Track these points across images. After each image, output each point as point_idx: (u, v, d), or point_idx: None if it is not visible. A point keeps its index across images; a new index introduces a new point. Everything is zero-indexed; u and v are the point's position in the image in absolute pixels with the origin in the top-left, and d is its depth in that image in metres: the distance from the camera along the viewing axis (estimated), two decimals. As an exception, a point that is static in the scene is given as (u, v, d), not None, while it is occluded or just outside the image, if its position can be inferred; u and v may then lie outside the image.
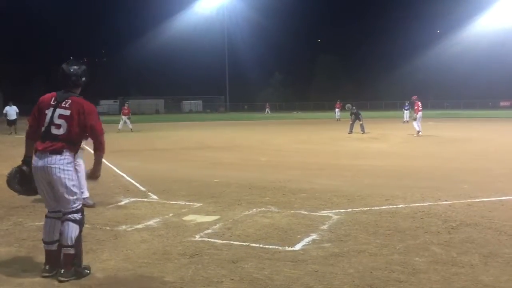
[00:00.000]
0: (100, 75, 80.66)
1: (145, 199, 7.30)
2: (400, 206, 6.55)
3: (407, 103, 31.53)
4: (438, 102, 69.28)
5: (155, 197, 7.47)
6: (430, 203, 6.68)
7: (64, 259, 4.02)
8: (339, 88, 76.46)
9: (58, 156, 3.93)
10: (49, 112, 4.00)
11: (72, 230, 3.99)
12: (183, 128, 31.44)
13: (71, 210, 4.01)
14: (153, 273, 4.14)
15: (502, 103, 67.10)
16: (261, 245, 4.86)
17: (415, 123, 20.25)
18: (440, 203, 6.70)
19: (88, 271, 4.07)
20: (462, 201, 6.79)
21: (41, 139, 3.99)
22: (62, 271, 3.98)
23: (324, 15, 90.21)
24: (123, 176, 9.46)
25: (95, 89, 75.53)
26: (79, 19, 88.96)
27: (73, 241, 3.99)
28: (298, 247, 4.81)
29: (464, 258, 4.40)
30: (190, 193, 7.73)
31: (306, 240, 5.03)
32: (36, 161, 3.98)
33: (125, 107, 28.18)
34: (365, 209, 6.41)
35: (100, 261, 4.43)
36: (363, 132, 21.53)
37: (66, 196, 3.99)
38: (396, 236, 5.12)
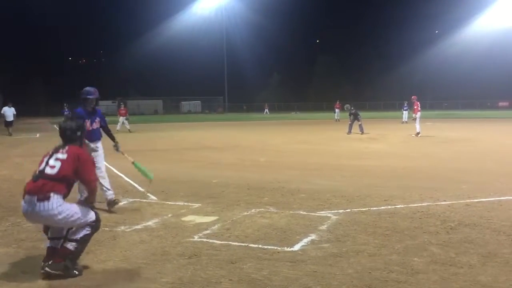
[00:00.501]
0: (98, 76, 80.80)
1: (144, 200, 7.30)
2: (398, 206, 6.56)
3: (406, 103, 31.78)
4: (437, 103, 69.37)
5: (153, 197, 7.46)
6: (428, 204, 6.69)
7: (59, 251, 4.06)
8: (338, 88, 76.55)
9: (46, 203, 3.92)
10: (46, 158, 4.15)
11: (84, 230, 4.12)
12: (181, 128, 31.43)
13: (88, 224, 4.16)
14: (152, 273, 4.13)
15: (500, 104, 67.29)
16: (259, 246, 4.86)
17: (417, 123, 20.26)
18: (439, 203, 6.71)
19: (77, 273, 4.05)
20: (460, 201, 6.80)
21: (34, 179, 4.06)
22: (51, 262, 4.01)
23: (323, 16, 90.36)
24: (121, 177, 9.44)
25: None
26: (78, 20, 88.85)
27: (78, 238, 4.07)
28: (297, 247, 4.81)
29: (463, 258, 4.41)
30: (188, 193, 7.73)
31: (305, 240, 5.03)
32: (24, 207, 4.00)
33: (122, 108, 28.21)
34: (364, 209, 6.42)
35: (99, 262, 4.43)
36: (362, 133, 21.54)
37: (76, 224, 4.08)
38: (395, 237, 5.13)
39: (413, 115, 20.53)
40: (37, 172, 4.08)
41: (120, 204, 6.89)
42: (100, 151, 6.75)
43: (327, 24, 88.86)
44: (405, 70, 73.73)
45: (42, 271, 4.04)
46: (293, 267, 4.23)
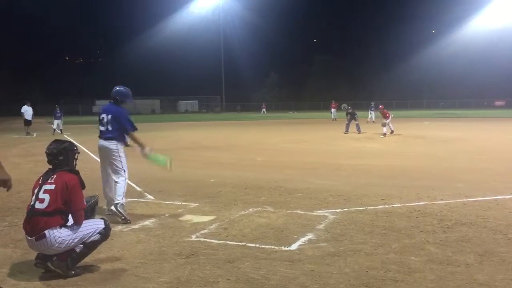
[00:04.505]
0: (95, 76, 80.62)
1: (141, 200, 7.29)
2: (395, 205, 6.57)
3: (372, 104, 33.82)
4: (433, 102, 69.57)
5: (151, 197, 7.46)
6: (425, 203, 6.71)
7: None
8: (334, 88, 76.64)
9: (44, 240, 3.95)
10: (36, 190, 4.11)
11: (93, 235, 4.16)
12: (179, 128, 31.38)
13: (98, 232, 4.19)
14: (149, 273, 4.13)
15: (496, 103, 67.46)
16: (257, 245, 4.87)
17: (385, 128, 20.25)
18: (436, 202, 6.73)
19: (74, 272, 4.07)
20: (457, 200, 6.82)
21: (27, 215, 4.08)
22: (54, 258, 4.03)
23: (320, 15, 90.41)
24: (119, 177, 9.42)
25: (91, 89, 75.67)
26: (75, 19, 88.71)
27: (87, 242, 4.11)
28: (294, 246, 4.81)
29: (460, 257, 4.42)
30: (186, 193, 7.73)
31: (302, 239, 5.04)
32: (28, 244, 4.10)
33: None
34: (361, 208, 6.43)
35: (96, 261, 4.42)
36: (359, 132, 21.59)
37: (83, 240, 4.11)
38: (392, 236, 5.14)
39: (384, 121, 20.44)
40: (29, 207, 4.08)
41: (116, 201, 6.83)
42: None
43: (324, 24, 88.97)
44: (402, 70, 73.88)
45: (38, 265, 4.08)
46: (291, 266, 4.23)
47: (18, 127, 25.26)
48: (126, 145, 6.28)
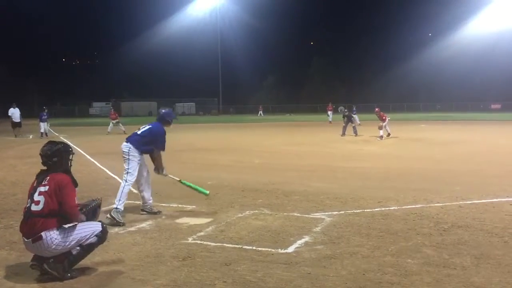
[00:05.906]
0: (92, 77, 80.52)
1: (138, 202, 7.26)
2: (392, 208, 6.58)
3: (354, 107, 33.49)
4: (430, 105, 69.73)
5: (147, 199, 7.43)
6: (422, 205, 6.72)
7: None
8: (332, 90, 76.74)
9: (41, 242, 3.96)
10: (32, 193, 4.12)
11: (91, 238, 4.15)
12: (176, 130, 31.23)
13: (95, 235, 4.18)
14: (146, 276, 4.12)
15: (493, 106, 67.64)
16: (254, 248, 4.86)
17: (381, 131, 20.18)
18: (432, 205, 6.74)
19: (70, 275, 4.06)
20: (453, 203, 6.84)
21: (24, 217, 4.09)
22: (51, 260, 4.02)
23: (317, 18, 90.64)
24: (115, 178, 9.41)
25: (88, 91, 75.53)
26: (72, 21, 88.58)
27: (84, 245, 4.11)
28: (291, 249, 4.81)
29: (456, 259, 4.43)
30: (183, 195, 7.71)
31: (299, 242, 5.04)
32: (25, 246, 4.12)
33: (112, 112, 28.10)
34: (357, 211, 6.44)
35: (92, 264, 4.41)
36: (356, 135, 21.62)
37: (80, 243, 4.11)
38: (389, 238, 5.14)
39: (381, 123, 20.38)
40: (25, 209, 4.09)
41: (114, 206, 6.84)
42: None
43: (322, 27, 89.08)
44: (399, 73, 73.98)
45: (34, 267, 4.07)
46: (287, 269, 4.23)
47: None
48: (140, 153, 6.43)
